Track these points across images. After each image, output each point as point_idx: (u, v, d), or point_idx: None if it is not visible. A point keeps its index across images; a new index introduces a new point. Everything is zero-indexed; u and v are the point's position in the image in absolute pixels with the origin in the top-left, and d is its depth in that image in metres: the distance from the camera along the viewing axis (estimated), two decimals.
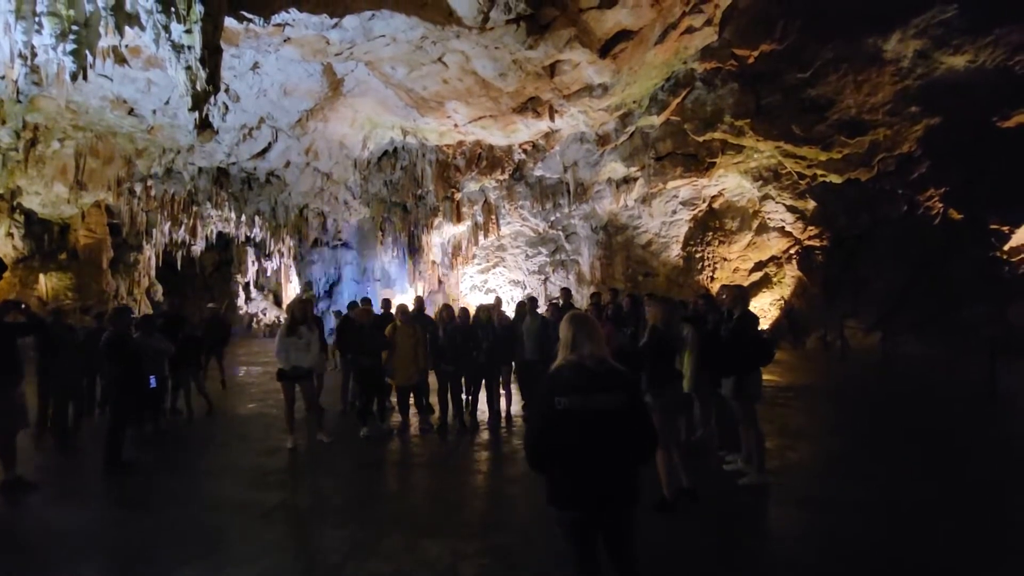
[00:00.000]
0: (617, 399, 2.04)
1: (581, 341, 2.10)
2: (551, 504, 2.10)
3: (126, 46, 6.85)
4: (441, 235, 15.85)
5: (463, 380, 6.11)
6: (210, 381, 7.36)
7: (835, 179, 11.69)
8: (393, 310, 6.59)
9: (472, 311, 6.32)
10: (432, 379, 6.30)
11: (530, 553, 3.23)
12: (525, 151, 12.87)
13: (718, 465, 4.58)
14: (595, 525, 2.09)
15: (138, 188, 12.99)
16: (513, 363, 6.40)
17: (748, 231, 13.84)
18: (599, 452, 2.03)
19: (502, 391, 6.40)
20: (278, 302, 18.75)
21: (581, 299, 13.70)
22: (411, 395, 6.14)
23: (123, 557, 3.29)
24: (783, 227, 13.36)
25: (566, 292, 6.87)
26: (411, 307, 6.57)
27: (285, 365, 5.29)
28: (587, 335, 2.12)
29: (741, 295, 4.45)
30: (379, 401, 6.18)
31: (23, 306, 5.19)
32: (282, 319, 17.78)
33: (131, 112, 9.57)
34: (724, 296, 4.72)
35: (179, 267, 16.44)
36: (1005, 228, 10.73)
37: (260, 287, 18.89)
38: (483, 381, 6.23)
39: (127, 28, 5.22)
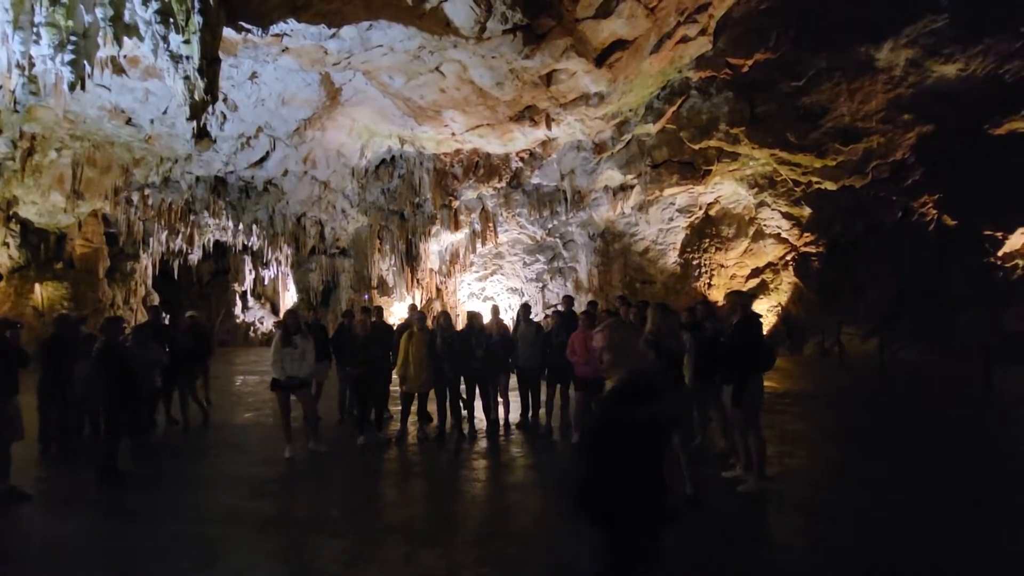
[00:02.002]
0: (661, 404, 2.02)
1: (640, 348, 2.04)
2: (615, 532, 1.89)
3: (124, 56, 6.88)
4: (439, 243, 15.86)
5: (462, 387, 6.10)
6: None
7: (830, 186, 11.78)
8: (391, 318, 6.57)
9: (475, 318, 6.33)
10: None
11: (528, 561, 3.21)
12: (522, 159, 12.94)
13: (717, 472, 4.57)
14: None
15: (135, 197, 12.99)
16: (512, 371, 6.39)
17: (744, 238, 13.90)
18: (658, 461, 1.96)
19: (500, 399, 6.39)
20: (275, 311, 18.69)
21: (579, 307, 13.70)
22: (415, 402, 6.12)
23: (118, 569, 3.25)
24: (779, 234, 13.43)
25: (568, 300, 6.88)
26: (406, 315, 6.56)
27: (280, 375, 5.27)
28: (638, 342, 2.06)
29: (740, 302, 4.46)
30: (377, 410, 6.15)
31: (19, 325, 5.18)
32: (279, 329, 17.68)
33: (129, 122, 9.59)
34: (725, 303, 4.74)
35: (176, 276, 16.39)
36: (999, 234, 10.81)
37: (257, 296, 18.83)
38: (477, 389, 6.22)
39: (125, 39, 5.25)
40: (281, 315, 18.17)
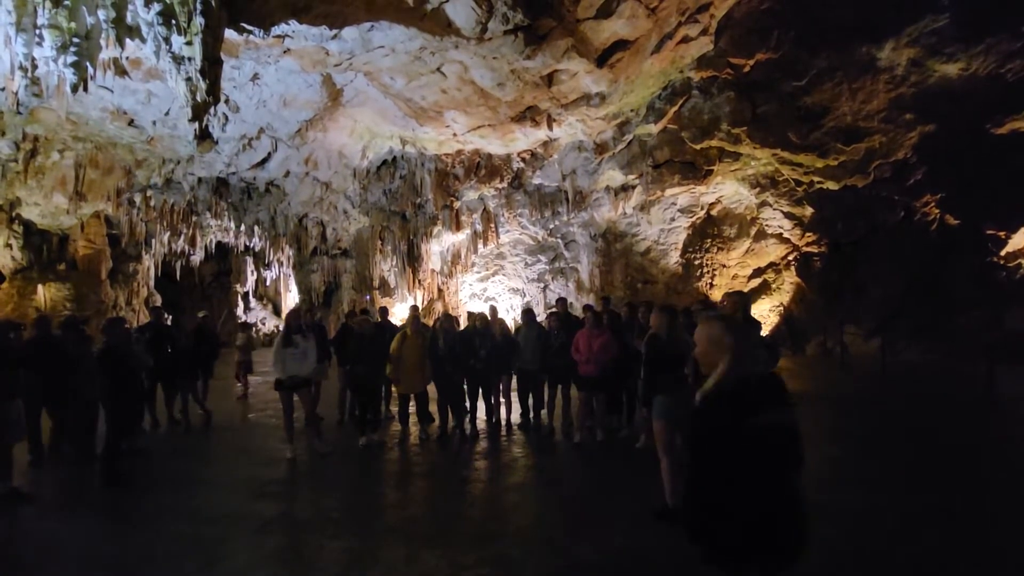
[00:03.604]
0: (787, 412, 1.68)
1: (748, 346, 1.78)
2: (735, 570, 1.60)
3: (127, 58, 6.90)
4: (440, 244, 15.87)
5: (463, 388, 6.10)
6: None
7: (832, 186, 11.76)
8: (392, 319, 6.58)
9: (478, 318, 6.35)
10: (431, 388, 6.28)
11: (529, 562, 3.20)
12: (523, 160, 12.94)
13: None
14: None
15: (137, 198, 13.02)
16: (513, 372, 6.39)
17: (746, 238, 13.88)
18: (783, 483, 1.64)
19: (502, 399, 6.39)
20: (277, 311, 18.72)
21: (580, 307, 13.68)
22: (411, 403, 6.12)
23: (119, 570, 3.26)
24: (781, 234, 13.41)
25: (562, 301, 6.90)
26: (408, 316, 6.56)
27: (282, 375, 5.29)
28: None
29: (742, 301, 4.46)
30: (377, 410, 6.15)
31: (22, 327, 5.21)
32: (281, 329, 17.73)
33: (131, 123, 9.62)
34: (725, 303, 4.74)
35: (178, 277, 16.42)
36: (1001, 233, 10.78)
37: (259, 297, 18.87)
38: (480, 390, 6.23)
39: (128, 40, 5.27)
40: (283, 316, 18.21)
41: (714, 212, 14.22)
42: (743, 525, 1.58)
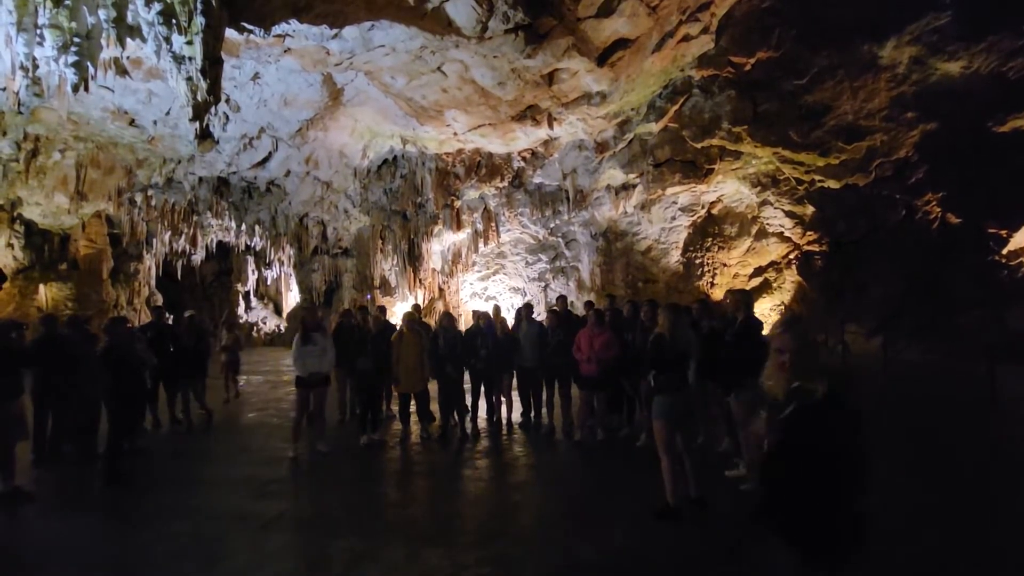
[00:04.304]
0: None
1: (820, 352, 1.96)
2: (816, 557, 1.82)
3: (127, 58, 6.89)
4: (441, 243, 15.87)
5: (464, 387, 6.11)
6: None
7: (833, 184, 11.74)
8: (393, 318, 6.59)
9: (481, 317, 6.34)
10: (432, 386, 6.29)
11: (530, 562, 3.21)
12: (524, 159, 12.93)
13: (720, 471, 4.56)
14: None
15: (138, 198, 13.03)
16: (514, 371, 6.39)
17: (747, 237, 13.85)
18: (857, 477, 1.87)
19: (503, 398, 6.39)
20: (278, 311, 18.75)
21: (581, 306, 13.67)
22: (412, 402, 6.13)
23: (121, 569, 3.27)
24: (782, 232, 13.38)
25: (563, 300, 6.90)
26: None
27: (303, 372, 5.32)
28: None
29: (744, 300, 4.46)
30: (378, 409, 6.16)
31: (24, 327, 5.23)
32: (282, 328, 17.80)
33: (132, 123, 9.63)
34: (728, 300, 4.74)
35: (179, 277, 16.44)
36: (1003, 232, 10.75)
37: (260, 296, 18.89)
38: (482, 388, 6.23)
39: (128, 40, 5.27)
40: (284, 315, 18.23)
41: (715, 211, 14.19)
42: (840, 524, 1.77)
